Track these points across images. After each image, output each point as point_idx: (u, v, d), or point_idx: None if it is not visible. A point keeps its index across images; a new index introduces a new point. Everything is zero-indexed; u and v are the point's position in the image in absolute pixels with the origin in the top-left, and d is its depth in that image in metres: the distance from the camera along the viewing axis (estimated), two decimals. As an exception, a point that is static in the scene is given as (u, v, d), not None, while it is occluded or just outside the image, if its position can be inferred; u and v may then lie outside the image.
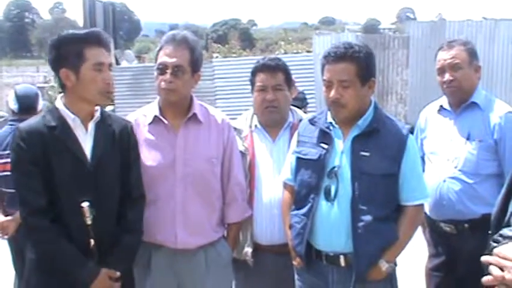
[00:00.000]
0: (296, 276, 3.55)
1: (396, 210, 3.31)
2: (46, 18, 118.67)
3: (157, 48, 3.51)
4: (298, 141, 3.50)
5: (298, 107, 4.17)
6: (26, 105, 5.11)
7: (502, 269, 2.10)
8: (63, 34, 3.13)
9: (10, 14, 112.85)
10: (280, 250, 3.62)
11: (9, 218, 4.82)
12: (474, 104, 3.94)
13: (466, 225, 3.90)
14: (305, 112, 4.74)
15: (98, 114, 3.19)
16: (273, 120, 3.79)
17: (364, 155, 3.23)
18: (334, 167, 3.27)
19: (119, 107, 17.62)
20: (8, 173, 4.59)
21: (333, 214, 3.26)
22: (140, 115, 3.57)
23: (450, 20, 18.97)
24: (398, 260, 3.37)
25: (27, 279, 3.19)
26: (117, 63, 20.35)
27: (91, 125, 3.17)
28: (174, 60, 3.38)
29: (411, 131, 3.38)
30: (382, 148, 3.24)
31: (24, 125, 3.12)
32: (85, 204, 3.03)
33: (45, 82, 27.86)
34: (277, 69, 3.77)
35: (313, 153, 3.36)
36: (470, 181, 3.86)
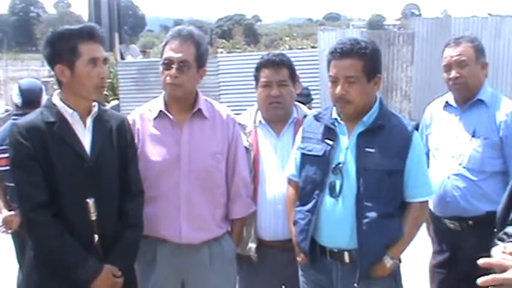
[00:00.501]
0: (300, 272, 3.55)
1: (401, 206, 3.31)
2: (51, 12, 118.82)
3: (163, 43, 3.51)
4: (303, 137, 3.50)
5: (302, 103, 4.16)
6: (30, 99, 5.11)
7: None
8: (57, 30, 3.12)
9: (15, 8, 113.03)
10: (284, 246, 3.61)
11: (12, 212, 4.83)
12: (480, 101, 3.93)
13: (470, 222, 3.89)
14: (309, 108, 4.74)
15: (95, 110, 3.19)
16: (277, 116, 3.79)
17: (369, 152, 3.22)
18: (339, 163, 3.27)
19: (124, 101, 17.64)
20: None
21: (337, 210, 3.25)
22: (145, 110, 3.58)
23: (455, 17, 18.89)
24: (402, 256, 3.36)
25: (28, 276, 3.18)
26: (122, 58, 20.34)
27: (89, 120, 3.16)
28: (179, 55, 3.38)
29: (416, 128, 3.37)
30: (387, 144, 3.23)
31: (22, 121, 3.11)
32: (90, 200, 3.03)
33: (50, 76, 27.84)
34: (281, 64, 3.77)
35: (318, 149, 3.36)
36: (475, 178, 3.86)
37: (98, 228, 3.08)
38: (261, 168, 3.76)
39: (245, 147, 3.72)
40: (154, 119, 3.51)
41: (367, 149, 3.23)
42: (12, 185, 4.73)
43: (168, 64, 3.40)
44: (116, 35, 20.19)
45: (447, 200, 3.92)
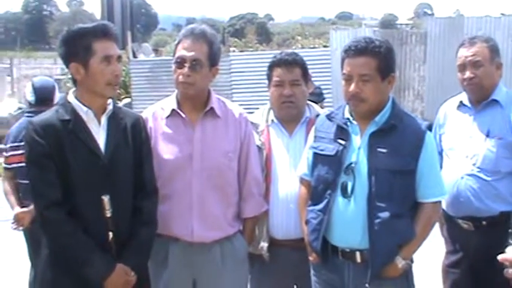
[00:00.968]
0: (312, 272, 3.54)
1: (413, 207, 3.29)
2: (64, 10, 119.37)
3: (176, 42, 3.51)
4: (315, 137, 3.49)
5: (314, 102, 4.16)
6: (43, 97, 5.13)
7: None
8: (71, 29, 3.14)
9: (29, 6, 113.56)
10: (296, 245, 3.61)
11: (24, 209, 4.85)
12: (495, 101, 3.90)
13: (484, 222, 3.87)
14: (322, 107, 4.73)
15: (110, 108, 3.20)
16: (289, 115, 3.78)
17: (381, 152, 3.21)
18: (351, 163, 3.26)
19: (136, 99, 17.70)
20: (24, 165, 4.65)
21: (349, 210, 3.25)
22: (158, 108, 3.58)
23: (468, 16, 18.81)
24: (414, 256, 3.35)
25: (42, 274, 3.19)
26: (135, 56, 20.39)
27: (104, 118, 3.17)
28: (192, 53, 3.38)
29: (429, 128, 3.35)
30: (399, 144, 3.21)
31: (37, 119, 3.13)
32: (105, 197, 3.05)
33: (63, 74, 27.96)
34: (294, 64, 3.76)
35: (330, 149, 3.35)
36: (489, 178, 3.83)
37: (113, 225, 3.09)
38: (273, 167, 3.76)
39: (257, 146, 3.72)
40: (167, 117, 3.51)
41: (379, 149, 3.21)
42: (25, 182, 4.76)
43: (180, 63, 3.40)
44: (129, 34, 20.18)
45: (461, 200, 3.90)
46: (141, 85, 18.42)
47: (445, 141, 4.13)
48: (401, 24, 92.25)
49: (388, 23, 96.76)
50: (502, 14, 22.97)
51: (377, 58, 3.21)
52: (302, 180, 3.59)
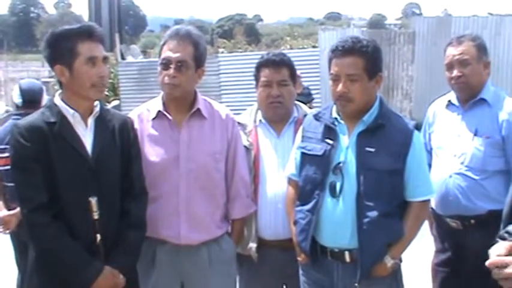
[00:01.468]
0: (301, 272, 3.54)
1: (402, 206, 3.29)
2: (51, 13, 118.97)
3: (161, 43, 3.50)
4: (303, 137, 3.49)
5: (303, 103, 4.15)
6: (30, 99, 5.11)
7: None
8: (55, 30, 3.10)
9: (16, 8, 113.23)
10: (285, 245, 3.60)
11: (11, 212, 4.81)
12: (483, 100, 3.90)
13: (473, 221, 3.87)
14: (310, 107, 4.72)
15: (97, 109, 3.17)
16: (277, 116, 3.77)
17: (369, 151, 3.21)
18: (339, 163, 3.26)
19: (125, 101, 17.69)
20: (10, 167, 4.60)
21: (338, 210, 3.24)
22: (144, 110, 3.56)
23: (456, 16, 18.91)
24: (403, 255, 3.35)
25: (29, 278, 3.17)
26: (123, 58, 20.36)
27: (90, 120, 3.15)
28: (177, 55, 3.36)
29: (417, 127, 3.36)
30: (387, 144, 3.22)
31: (22, 121, 3.10)
32: (93, 199, 3.03)
33: (50, 77, 27.86)
34: (281, 64, 3.76)
35: (318, 149, 3.35)
36: (477, 177, 3.83)
37: (100, 227, 3.07)
38: (262, 167, 3.75)
39: (245, 146, 3.71)
40: (153, 119, 3.49)
41: (367, 149, 3.21)
42: (11, 184, 4.73)
43: (166, 64, 3.39)
44: (117, 35, 20.24)
45: (449, 198, 3.90)
46: (130, 87, 18.40)
47: (434, 140, 4.13)
48: (389, 24, 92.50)
49: (376, 23, 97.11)
50: (490, 14, 23.13)
51: (364, 58, 3.21)
52: (290, 181, 3.59)
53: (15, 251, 5.09)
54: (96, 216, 3.04)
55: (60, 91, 3.19)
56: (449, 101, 4.09)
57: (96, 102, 3.19)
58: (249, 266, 3.76)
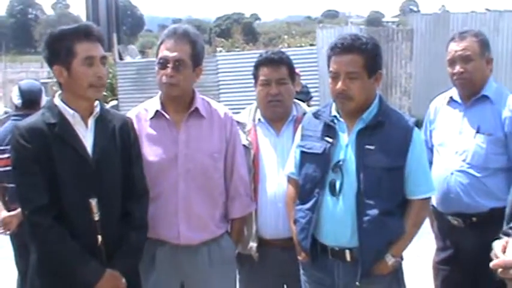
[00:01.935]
0: (301, 271, 3.53)
1: (402, 204, 3.28)
2: (49, 13, 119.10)
3: (159, 43, 3.49)
4: (302, 135, 3.47)
5: (302, 101, 4.14)
6: (30, 100, 5.10)
7: None
8: (53, 31, 3.10)
9: (13, 10, 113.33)
10: (285, 244, 3.59)
11: (11, 213, 4.80)
12: (485, 96, 3.87)
13: (474, 218, 3.85)
14: (309, 106, 4.71)
15: (97, 110, 3.16)
16: (276, 114, 3.76)
17: (369, 149, 3.19)
18: (339, 161, 3.24)
19: (123, 101, 17.69)
20: (10, 168, 4.58)
21: (338, 208, 3.23)
22: (142, 110, 3.55)
23: (454, 12, 18.90)
24: (405, 253, 3.34)
25: (31, 280, 3.16)
26: (121, 58, 20.34)
27: (91, 121, 3.14)
28: (175, 54, 3.35)
29: (417, 124, 3.34)
30: (387, 141, 3.20)
31: (23, 123, 3.09)
32: (93, 200, 3.01)
33: (49, 78, 27.85)
34: (280, 63, 3.74)
35: (317, 147, 3.33)
36: (479, 175, 3.81)
37: (101, 228, 3.05)
38: (261, 166, 3.74)
39: (245, 145, 3.70)
40: (151, 119, 3.48)
41: (367, 146, 3.20)
42: (11, 185, 4.72)
43: (163, 63, 3.38)
44: (114, 36, 20.18)
45: (451, 196, 3.88)
46: (128, 87, 18.40)
47: (435, 137, 4.11)
48: (387, 21, 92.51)
49: (374, 20, 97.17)
50: (487, 10, 23.08)
51: (364, 55, 3.20)
52: (289, 179, 3.57)
53: (14, 252, 5.08)
54: (96, 217, 3.03)
55: (60, 92, 3.18)
56: (451, 97, 4.07)
57: (96, 103, 3.18)
58: (250, 266, 3.75)
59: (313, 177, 3.33)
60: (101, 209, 3.04)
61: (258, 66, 3.79)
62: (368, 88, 3.25)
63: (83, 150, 3.06)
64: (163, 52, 3.38)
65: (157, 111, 3.46)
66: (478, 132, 3.83)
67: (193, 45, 3.40)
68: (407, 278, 3.46)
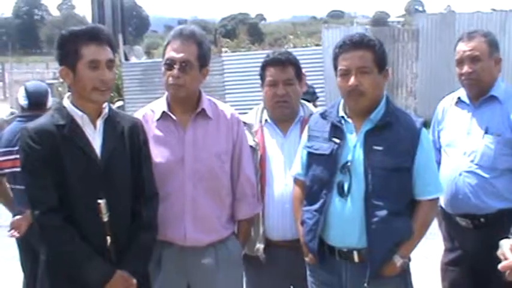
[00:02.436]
0: (308, 273, 3.51)
1: (410, 205, 3.27)
2: (55, 14, 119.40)
3: (165, 43, 3.48)
4: (309, 136, 3.46)
5: (308, 101, 4.13)
6: (36, 101, 5.10)
7: None
8: (63, 32, 3.11)
9: (19, 11, 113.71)
10: (293, 246, 3.58)
11: (20, 217, 4.79)
12: (493, 97, 3.85)
13: (482, 219, 3.83)
14: (315, 106, 4.70)
15: (105, 111, 3.16)
16: (283, 115, 3.75)
17: (377, 149, 3.18)
18: (347, 162, 3.23)
19: (129, 102, 17.73)
20: (16, 170, 4.58)
21: (346, 210, 3.21)
22: (148, 111, 3.54)
23: (459, 12, 18.86)
24: (412, 254, 3.32)
25: (41, 282, 3.16)
26: (126, 59, 20.38)
27: (99, 122, 3.14)
28: (181, 55, 3.34)
29: (425, 124, 3.32)
30: (395, 142, 3.19)
31: (32, 124, 3.09)
32: (102, 201, 3.01)
33: (55, 78, 27.91)
34: (287, 63, 3.73)
35: (325, 148, 3.32)
36: (487, 176, 3.79)
37: (111, 229, 3.06)
38: (268, 167, 3.72)
39: (251, 146, 3.69)
40: (158, 120, 3.47)
41: (375, 147, 3.18)
42: (17, 187, 4.72)
43: (170, 64, 3.37)
44: (120, 36, 20.24)
45: (459, 197, 3.87)
46: (133, 88, 18.44)
47: (443, 138, 4.09)
48: (392, 21, 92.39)
49: (379, 20, 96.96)
50: (493, 10, 23.02)
51: (373, 51, 3.21)
52: (296, 180, 3.56)
53: (20, 253, 5.08)
54: (105, 218, 3.03)
55: (69, 93, 3.19)
56: (459, 98, 4.05)
57: (105, 104, 3.18)
58: (257, 267, 3.74)
59: (321, 178, 3.32)
60: (110, 210, 3.04)
61: (264, 66, 3.78)
62: (379, 84, 3.25)
63: (92, 151, 3.07)
64: (170, 53, 3.37)
65: (163, 112, 3.46)
66: (486, 132, 3.81)
67: (200, 46, 3.39)
68: (415, 279, 3.44)
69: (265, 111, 3.84)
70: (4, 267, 6.99)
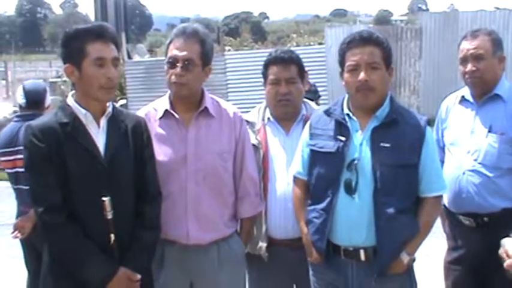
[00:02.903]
0: (311, 272, 3.50)
1: (415, 202, 3.27)
2: (58, 13, 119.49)
3: (168, 42, 3.47)
4: (311, 134, 3.44)
5: (310, 100, 4.12)
6: (34, 100, 5.06)
7: None
8: (69, 29, 3.11)
9: (22, 9, 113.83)
10: (295, 244, 3.57)
11: (24, 217, 4.76)
12: (497, 95, 3.84)
13: (486, 218, 3.82)
14: (317, 104, 4.69)
15: (109, 110, 3.16)
16: (286, 114, 3.75)
17: (384, 146, 3.17)
18: (353, 160, 3.21)
19: (132, 100, 17.74)
20: (17, 170, 4.57)
21: (354, 208, 3.20)
22: (151, 109, 3.54)
23: (463, 11, 18.85)
24: (416, 252, 3.32)
25: (44, 279, 3.16)
26: (129, 57, 20.39)
27: (103, 121, 3.13)
28: (184, 53, 3.33)
29: (428, 123, 3.32)
30: (401, 139, 3.19)
31: (36, 122, 3.09)
32: (106, 199, 3.01)
33: (58, 77, 27.92)
34: (290, 61, 3.72)
35: (330, 145, 3.30)
36: (491, 174, 3.78)
37: (114, 227, 3.05)
38: (271, 166, 3.72)
39: (254, 145, 3.68)
40: (160, 118, 3.46)
41: (382, 144, 3.18)
42: (18, 187, 4.71)
43: (172, 63, 3.36)
44: (123, 35, 20.22)
45: (462, 196, 3.86)
46: (136, 86, 18.46)
47: (447, 137, 4.08)
48: (395, 20, 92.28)
49: (382, 19, 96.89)
50: (497, 8, 23.00)
51: (381, 47, 3.23)
52: (296, 179, 3.55)
53: (24, 253, 5.06)
54: (109, 215, 3.03)
55: (73, 91, 3.19)
56: (462, 96, 4.03)
57: (109, 103, 3.18)
58: (259, 266, 3.73)
59: (327, 177, 3.30)
60: (113, 207, 3.04)
61: (267, 65, 3.78)
62: (387, 81, 3.26)
63: (95, 149, 3.07)
64: (173, 51, 3.37)
65: (166, 110, 3.45)
66: (490, 131, 3.80)
67: (203, 45, 3.38)
68: (417, 278, 3.44)
69: (267, 109, 3.84)
70: (8, 265, 7.00)
